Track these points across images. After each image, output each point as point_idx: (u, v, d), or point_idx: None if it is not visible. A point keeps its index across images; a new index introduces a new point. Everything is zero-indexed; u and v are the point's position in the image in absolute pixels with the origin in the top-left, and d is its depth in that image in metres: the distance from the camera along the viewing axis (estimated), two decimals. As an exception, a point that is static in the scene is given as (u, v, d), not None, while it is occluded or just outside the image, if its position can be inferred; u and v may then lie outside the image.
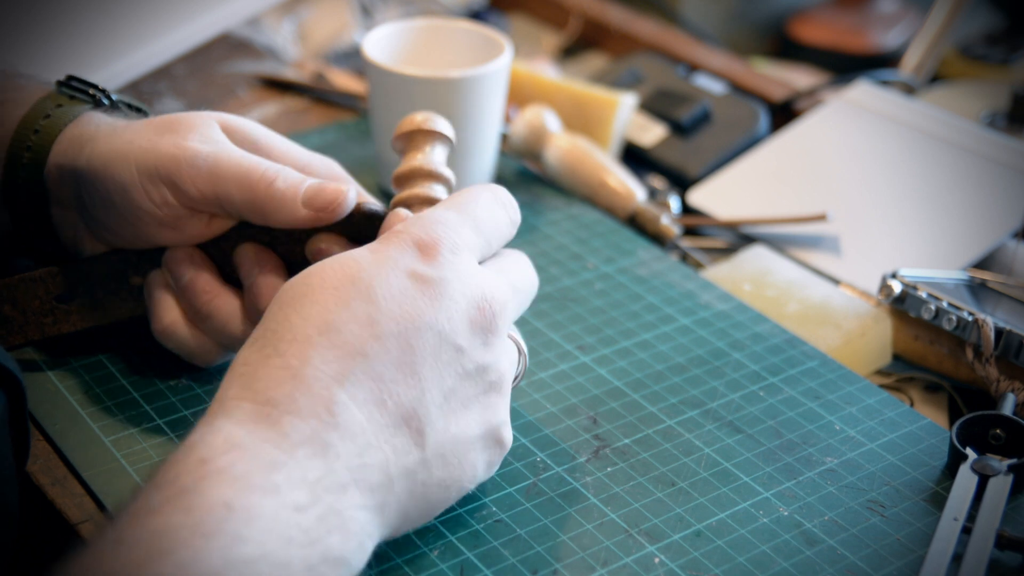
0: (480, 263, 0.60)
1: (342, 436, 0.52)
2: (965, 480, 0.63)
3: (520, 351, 0.62)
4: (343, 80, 1.03)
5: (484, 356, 0.57)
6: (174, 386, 0.69)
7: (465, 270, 0.57)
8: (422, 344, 0.55)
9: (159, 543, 0.46)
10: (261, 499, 0.48)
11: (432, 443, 0.55)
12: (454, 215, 0.59)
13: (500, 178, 0.90)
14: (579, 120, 0.95)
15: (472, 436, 0.57)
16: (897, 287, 0.77)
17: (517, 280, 0.61)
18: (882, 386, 0.77)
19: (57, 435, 0.66)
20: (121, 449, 0.65)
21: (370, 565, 0.54)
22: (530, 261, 0.64)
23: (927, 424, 0.69)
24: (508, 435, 0.59)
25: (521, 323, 0.75)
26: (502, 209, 0.61)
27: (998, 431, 0.66)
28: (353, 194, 0.65)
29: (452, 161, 0.85)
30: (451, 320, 0.56)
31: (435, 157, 0.67)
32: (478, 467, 0.58)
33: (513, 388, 0.62)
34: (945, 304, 0.75)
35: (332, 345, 0.54)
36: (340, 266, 0.56)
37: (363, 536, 0.52)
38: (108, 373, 0.70)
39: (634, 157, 0.96)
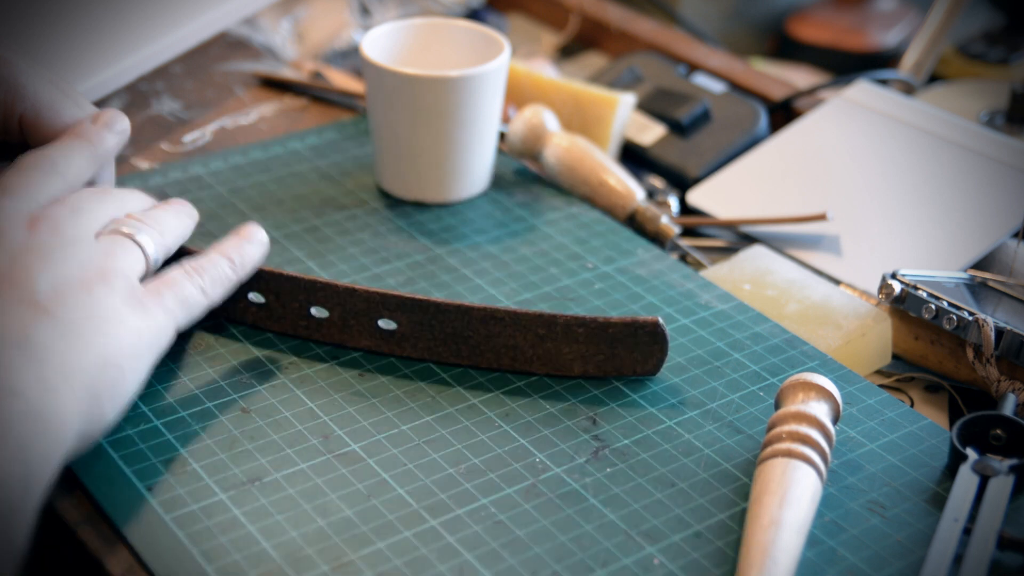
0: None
1: None
2: (966, 481, 0.63)
3: (132, 238, 0.66)
4: (341, 79, 1.03)
5: (53, 239, 0.62)
6: (172, 387, 0.69)
7: (8, 209, 0.63)
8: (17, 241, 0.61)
9: None
10: None
11: (51, 302, 0.59)
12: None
13: (499, 178, 0.90)
14: (578, 120, 0.94)
15: (83, 289, 0.61)
16: (897, 287, 0.77)
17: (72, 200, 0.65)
18: (882, 386, 0.77)
19: (54, 436, 0.65)
20: (118, 450, 0.64)
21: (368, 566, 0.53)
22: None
23: (927, 424, 0.69)
24: (148, 297, 0.64)
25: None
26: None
27: (999, 431, 0.66)
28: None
29: (450, 161, 0.85)
30: (3, 233, 0.61)
31: None
32: (122, 316, 0.62)
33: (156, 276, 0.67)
34: (945, 304, 0.75)
35: None
36: None
37: (32, 376, 0.56)
38: (106, 374, 0.70)
39: (633, 157, 0.96)
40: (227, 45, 1.07)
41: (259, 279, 0.72)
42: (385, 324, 0.72)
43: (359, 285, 0.72)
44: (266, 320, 0.73)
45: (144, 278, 0.66)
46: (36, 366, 0.56)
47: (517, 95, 0.96)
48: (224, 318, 0.74)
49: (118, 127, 0.70)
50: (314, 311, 0.72)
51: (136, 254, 0.65)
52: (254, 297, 0.73)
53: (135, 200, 0.69)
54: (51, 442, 0.55)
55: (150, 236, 0.67)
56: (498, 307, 0.70)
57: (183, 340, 0.73)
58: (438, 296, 0.77)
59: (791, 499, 0.60)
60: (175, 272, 0.67)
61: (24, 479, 0.53)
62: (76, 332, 0.59)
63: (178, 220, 0.70)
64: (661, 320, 0.69)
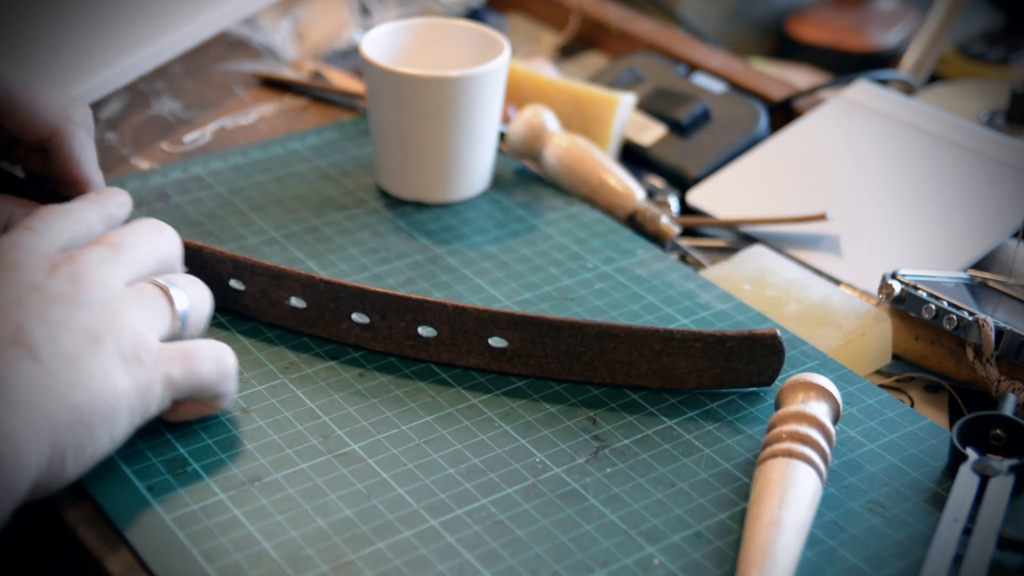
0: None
1: None
2: (966, 481, 0.63)
3: (165, 291, 0.64)
4: (341, 79, 1.03)
5: (73, 289, 0.61)
6: (172, 387, 0.69)
7: (24, 251, 0.63)
8: (1, 290, 0.60)
9: None
10: None
11: (42, 350, 0.58)
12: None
13: (499, 178, 0.90)
14: (578, 120, 0.94)
15: (84, 344, 0.59)
16: (897, 287, 0.77)
17: (115, 238, 0.65)
18: (882, 386, 0.77)
19: (54, 436, 0.65)
20: (118, 450, 0.64)
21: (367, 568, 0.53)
22: (148, 224, 0.68)
23: (927, 424, 0.69)
24: (140, 351, 0.61)
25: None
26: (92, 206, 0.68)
27: (999, 431, 0.66)
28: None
29: (450, 161, 0.85)
30: (22, 272, 0.61)
31: None
32: (109, 371, 0.59)
33: (188, 330, 0.65)
34: (945, 304, 0.75)
35: None
36: None
37: None
38: (106, 374, 0.70)
39: (633, 157, 0.96)
40: (227, 45, 1.07)
41: (363, 298, 0.71)
42: (496, 342, 0.71)
43: (469, 304, 0.71)
44: (370, 340, 0.72)
45: (170, 336, 0.64)
46: (3, 407, 0.55)
47: (517, 95, 0.96)
48: (325, 338, 0.73)
49: (121, 199, 0.71)
50: (422, 331, 0.72)
51: (164, 311, 0.64)
52: (358, 317, 0.72)
53: (169, 252, 0.68)
54: (4, 491, 0.54)
55: (184, 294, 0.66)
56: (612, 323, 0.70)
57: (183, 340, 0.73)
58: (437, 296, 0.77)
59: (791, 499, 0.60)
60: (201, 347, 0.64)
61: None
62: (55, 381, 0.58)
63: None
64: (779, 333, 0.69)
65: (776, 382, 0.71)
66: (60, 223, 0.65)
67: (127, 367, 0.60)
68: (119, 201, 0.70)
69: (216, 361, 0.64)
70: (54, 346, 0.58)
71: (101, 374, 0.59)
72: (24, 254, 0.62)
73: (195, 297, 0.67)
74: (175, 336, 0.65)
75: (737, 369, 0.70)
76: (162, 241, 0.67)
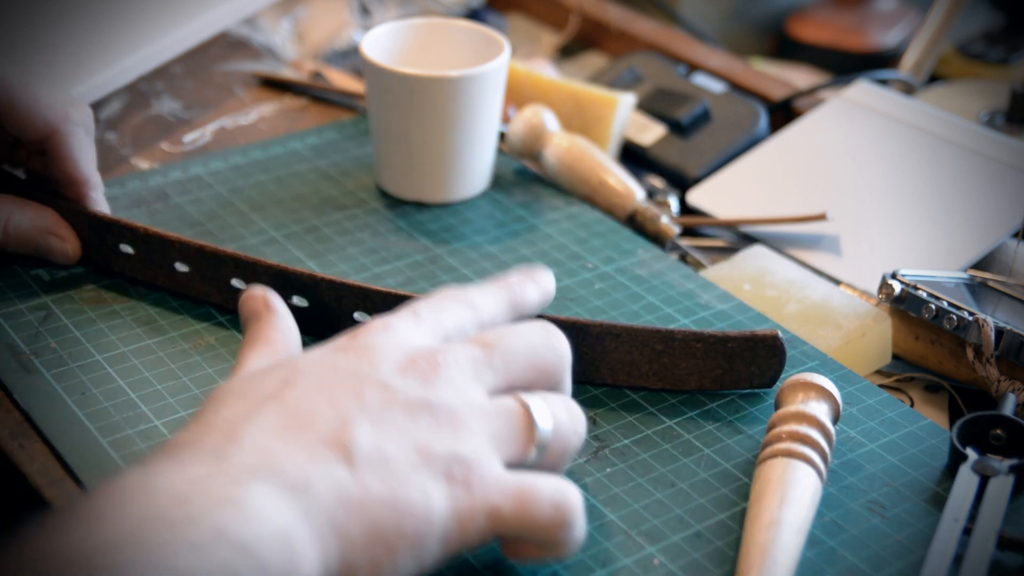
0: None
1: (238, 447, 0.51)
2: (966, 481, 0.63)
3: (527, 409, 0.57)
4: (341, 79, 1.03)
5: (423, 393, 0.55)
6: (171, 387, 0.69)
7: (390, 336, 0.57)
8: (339, 382, 0.54)
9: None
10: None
11: (360, 457, 0.52)
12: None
13: (499, 178, 0.90)
14: (578, 120, 0.94)
15: (410, 457, 0.53)
16: (897, 287, 0.77)
17: (494, 337, 0.59)
18: (882, 386, 0.77)
19: (54, 436, 0.65)
20: (119, 451, 0.65)
21: None
22: (537, 328, 0.60)
23: (927, 424, 0.69)
24: (471, 476, 0.54)
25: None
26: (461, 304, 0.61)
27: (999, 431, 0.66)
28: None
29: (450, 161, 0.85)
30: (372, 364, 0.55)
31: None
32: (428, 492, 0.53)
33: (547, 458, 0.57)
34: (945, 304, 0.75)
35: (242, 396, 0.54)
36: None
37: (275, 527, 0.49)
38: (106, 374, 0.70)
39: (633, 157, 0.96)
40: (227, 45, 1.07)
41: (365, 298, 0.71)
42: None
43: None
44: None
45: (521, 463, 0.57)
46: (289, 516, 0.49)
47: (517, 95, 0.96)
48: (327, 337, 0.72)
49: (544, 284, 0.64)
50: None
51: (520, 433, 0.56)
52: (360, 317, 0.72)
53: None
54: None
55: (550, 415, 0.57)
56: (614, 323, 0.70)
57: (184, 340, 0.73)
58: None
59: (791, 499, 0.60)
60: (541, 486, 0.55)
61: None
62: (364, 495, 0.51)
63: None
64: (780, 334, 0.69)
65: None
66: (448, 314, 0.59)
67: (450, 491, 0.53)
68: (540, 283, 0.63)
69: (555, 505, 0.54)
70: (377, 455, 0.52)
71: (419, 496, 0.52)
72: (386, 342, 0.56)
73: (563, 422, 0.58)
74: (530, 464, 0.57)
75: (739, 370, 0.70)
76: (547, 350, 0.59)
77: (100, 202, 0.78)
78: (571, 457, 0.59)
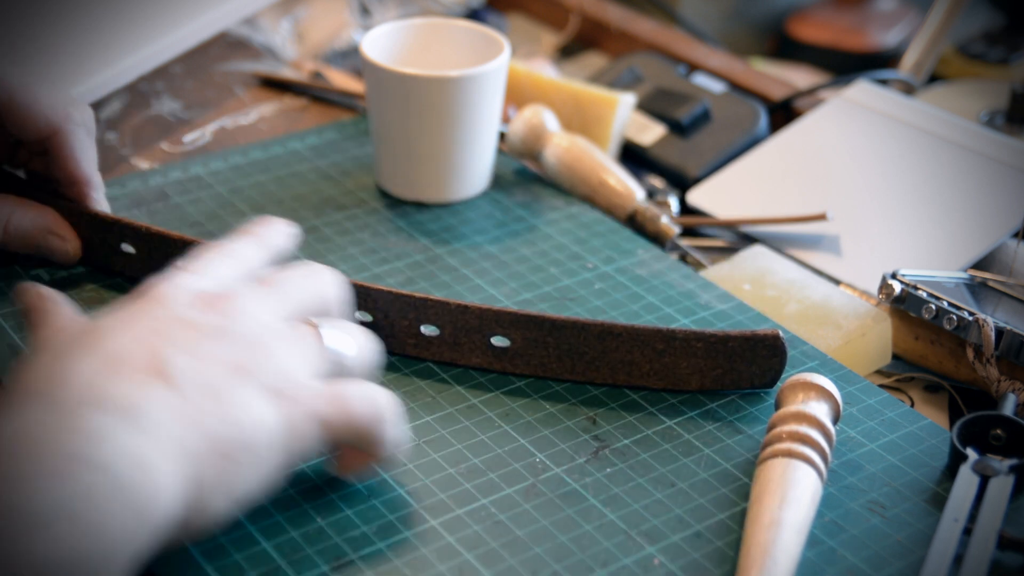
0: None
1: (64, 387, 0.53)
2: (966, 481, 0.63)
3: (315, 329, 0.61)
4: (341, 79, 1.03)
5: (223, 322, 0.58)
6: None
7: (176, 284, 0.60)
8: (142, 324, 0.57)
9: None
10: None
11: (182, 379, 0.55)
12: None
13: (499, 178, 0.90)
14: (578, 120, 0.94)
15: (229, 377, 0.56)
16: (897, 287, 0.77)
17: (271, 277, 0.63)
18: (882, 386, 0.77)
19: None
20: (119, 450, 0.65)
21: (368, 567, 0.53)
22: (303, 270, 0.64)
23: (927, 424, 0.69)
24: (291, 387, 0.57)
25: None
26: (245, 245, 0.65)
27: (999, 431, 0.66)
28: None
29: (450, 161, 0.85)
30: (167, 307, 0.58)
31: None
32: (257, 405, 0.56)
33: (347, 374, 0.61)
34: (945, 304, 0.75)
35: (50, 352, 0.56)
36: None
37: (126, 445, 0.51)
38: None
39: (633, 157, 0.96)
40: (227, 45, 1.07)
41: (367, 297, 0.72)
42: (498, 341, 0.71)
43: (472, 303, 0.71)
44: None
45: (328, 373, 0.60)
46: (134, 438, 0.51)
47: (517, 95, 0.96)
48: None
49: (282, 227, 0.68)
50: (424, 329, 0.72)
51: (315, 349, 0.60)
52: (361, 316, 0.72)
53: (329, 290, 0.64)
54: (135, 520, 0.50)
55: (337, 334, 0.62)
56: (615, 323, 0.70)
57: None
58: (438, 295, 0.77)
59: (791, 499, 0.60)
60: (351, 386, 0.60)
61: (102, 557, 0.49)
62: (195, 411, 0.54)
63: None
64: (781, 333, 0.69)
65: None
66: (217, 262, 0.63)
67: (270, 400, 0.56)
68: (280, 231, 0.68)
69: (369, 401, 0.60)
70: (196, 377, 0.55)
71: (244, 406, 0.55)
72: (174, 289, 0.59)
73: (354, 340, 0.62)
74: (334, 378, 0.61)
75: (739, 370, 0.70)
76: (319, 282, 0.64)
77: (101, 202, 0.78)
78: (371, 369, 0.63)
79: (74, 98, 0.77)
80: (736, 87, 1.03)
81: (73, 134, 0.76)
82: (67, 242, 0.77)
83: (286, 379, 0.58)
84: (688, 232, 0.91)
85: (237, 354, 0.57)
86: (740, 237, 0.90)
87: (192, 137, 0.95)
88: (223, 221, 0.83)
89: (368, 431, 0.60)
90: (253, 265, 0.64)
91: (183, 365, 0.55)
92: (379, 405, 0.60)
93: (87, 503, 0.48)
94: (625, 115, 0.95)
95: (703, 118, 0.97)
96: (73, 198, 0.77)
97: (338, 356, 0.61)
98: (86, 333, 0.56)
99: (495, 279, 0.79)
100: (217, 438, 0.54)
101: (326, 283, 0.64)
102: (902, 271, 0.77)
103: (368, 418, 0.59)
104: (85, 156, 0.77)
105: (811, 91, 1.02)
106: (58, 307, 0.62)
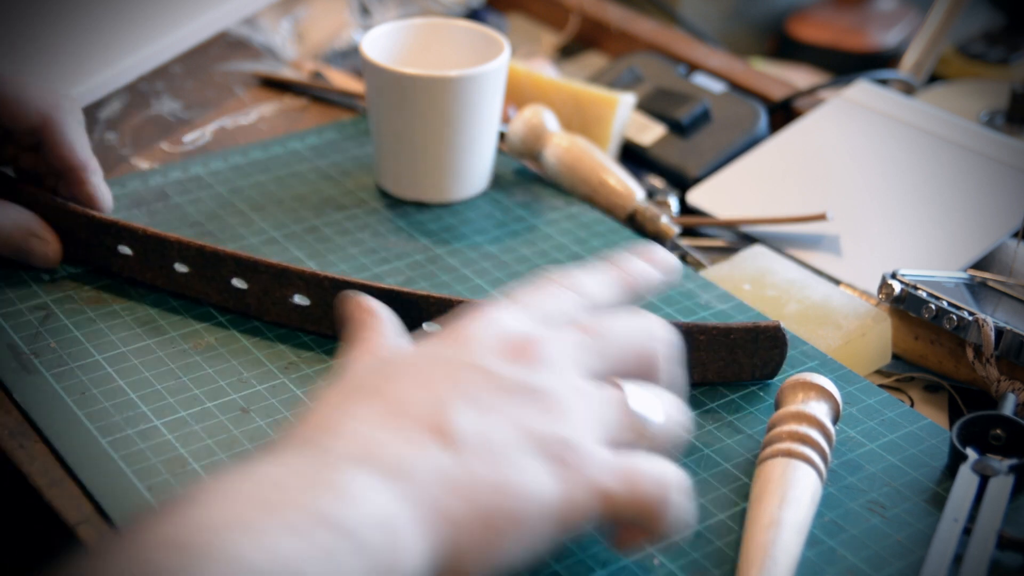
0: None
1: (336, 438, 0.51)
2: (965, 481, 0.63)
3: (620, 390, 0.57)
4: (341, 79, 1.03)
5: (523, 376, 0.54)
6: (171, 387, 0.69)
7: (488, 323, 0.57)
8: (436, 370, 0.54)
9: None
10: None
11: (461, 439, 0.51)
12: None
13: (499, 178, 0.90)
14: (578, 120, 0.94)
15: (514, 440, 0.52)
16: (897, 287, 0.77)
17: (600, 326, 0.58)
18: (882, 386, 0.77)
19: (54, 436, 0.65)
20: (119, 450, 0.64)
21: None
22: (640, 315, 0.60)
23: (927, 424, 0.69)
24: (578, 457, 0.53)
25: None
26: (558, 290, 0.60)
27: (999, 431, 0.66)
28: None
29: (450, 161, 0.85)
30: (470, 350, 0.55)
31: None
32: (535, 474, 0.52)
33: (652, 434, 0.57)
34: (945, 304, 0.75)
35: (340, 394, 0.54)
36: None
37: (377, 511, 0.48)
38: (106, 374, 0.70)
39: (633, 157, 0.96)
40: (227, 45, 1.07)
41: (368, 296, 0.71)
42: None
43: (473, 302, 0.69)
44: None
45: (626, 438, 0.56)
46: (390, 502, 0.49)
47: (517, 95, 0.96)
48: (329, 335, 0.73)
49: (661, 264, 0.62)
50: (426, 327, 0.71)
51: (617, 414, 0.56)
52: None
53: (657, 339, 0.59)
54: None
55: (646, 398, 0.57)
56: None
57: (183, 340, 0.73)
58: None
59: (791, 499, 0.60)
60: (642, 460, 0.54)
61: None
62: (464, 476, 0.50)
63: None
64: (782, 324, 0.70)
65: (777, 381, 0.71)
66: (550, 296, 0.59)
67: (558, 472, 0.52)
68: (649, 269, 0.62)
69: (659, 479, 0.54)
70: (477, 437, 0.51)
71: (521, 475, 0.51)
72: (485, 328, 0.56)
73: (662, 405, 0.57)
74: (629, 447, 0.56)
75: (741, 362, 0.70)
76: (648, 339, 0.59)
77: (100, 186, 0.77)
78: (670, 446, 0.58)
79: (61, 91, 0.77)
80: (736, 87, 1.03)
81: (64, 122, 0.75)
82: (48, 244, 0.76)
83: (574, 446, 0.53)
84: (688, 232, 0.91)
85: (528, 416, 0.53)
86: (740, 237, 0.90)
87: (192, 137, 0.95)
88: (223, 221, 0.83)
89: (652, 511, 0.54)
90: (596, 302, 0.60)
91: (466, 423, 0.52)
92: (669, 485, 0.54)
93: (320, 566, 0.46)
94: (625, 115, 0.95)
95: (703, 118, 0.97)
96: (72, 184, 0.77)
97: (643, 422, 0.56)
98: (378, 372, 0.55)
99: (495, 279, 0.79)
100: (484, 506, 0.50)
101: (656, 339, 0.59)
102: (902, 271, 0.77)
103: (655, 499, 0.54)
104: (79, 142, 0.76)
105: (811, 91, 1.02)
106: (377, 322, 0.60)
